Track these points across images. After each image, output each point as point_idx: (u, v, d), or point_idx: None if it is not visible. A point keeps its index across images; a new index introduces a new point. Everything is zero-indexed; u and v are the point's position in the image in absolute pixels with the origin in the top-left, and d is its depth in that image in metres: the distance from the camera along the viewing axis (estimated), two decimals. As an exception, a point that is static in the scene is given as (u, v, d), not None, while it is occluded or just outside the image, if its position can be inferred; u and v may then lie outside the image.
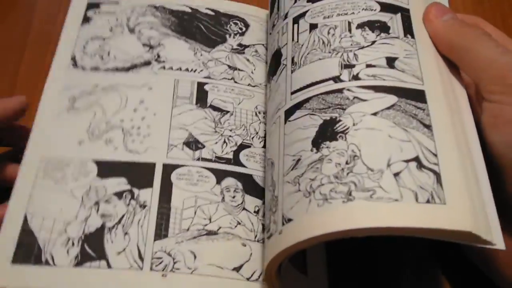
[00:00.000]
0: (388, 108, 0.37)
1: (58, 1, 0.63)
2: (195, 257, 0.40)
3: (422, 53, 0.40)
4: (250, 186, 0.45)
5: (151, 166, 0.44)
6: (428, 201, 0.33)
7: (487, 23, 0.43)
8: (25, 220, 0.40)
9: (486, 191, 0.35)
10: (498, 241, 0.33)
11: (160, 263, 0.40)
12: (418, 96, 0.37)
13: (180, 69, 0.50)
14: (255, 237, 0.42)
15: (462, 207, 0.33)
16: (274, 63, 0.46)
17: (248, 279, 0.40)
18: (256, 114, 0.48)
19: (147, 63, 0.50)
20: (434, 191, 0.33)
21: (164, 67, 0.49)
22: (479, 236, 0.32)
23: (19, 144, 0.47)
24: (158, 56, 0.50)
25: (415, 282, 0.45)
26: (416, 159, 0.34)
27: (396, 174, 0.34)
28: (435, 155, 0.35)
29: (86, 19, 0.52)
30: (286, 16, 0.46)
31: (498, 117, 0.37)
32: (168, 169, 0.44)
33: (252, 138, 0.47)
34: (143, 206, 0.42)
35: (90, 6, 0.53)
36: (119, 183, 0.43)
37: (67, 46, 0.50)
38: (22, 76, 0.57)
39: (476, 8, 0.61)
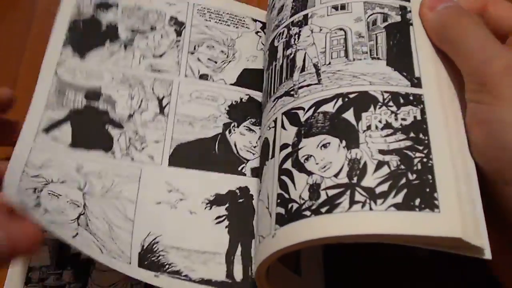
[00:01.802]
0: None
1: (58, 1, 0.63)
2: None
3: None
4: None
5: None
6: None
7: None
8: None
9: (477, 198, 0.34)
10: (487, 250, 0.32)
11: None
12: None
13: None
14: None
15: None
16: None
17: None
18: None
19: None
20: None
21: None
22: (469, 243, 0.31)
23: (7, 140, 0.46)
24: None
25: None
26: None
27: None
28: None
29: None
30: None
31: (473, 117, 0.36)
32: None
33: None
34: None
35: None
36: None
37: None
38: (22, 76, 0.57)
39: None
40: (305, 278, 0.42)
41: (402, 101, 0.36)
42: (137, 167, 0.45)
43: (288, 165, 0.37)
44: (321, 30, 0.42)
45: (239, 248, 0.42)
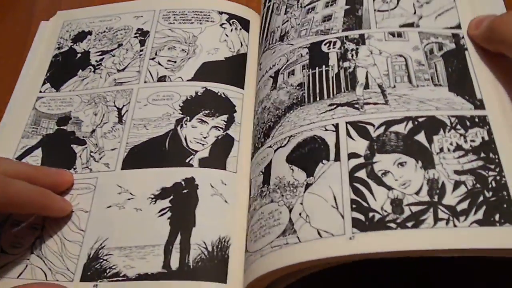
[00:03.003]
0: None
1: (58, 0, 0.64)
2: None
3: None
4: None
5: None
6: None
7: None
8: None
9: None
10: None
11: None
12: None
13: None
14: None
15: None
16: None
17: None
18: None
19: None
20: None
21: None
22: None
23: None
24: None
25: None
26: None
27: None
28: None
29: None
30: None
31: None
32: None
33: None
34: None
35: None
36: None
37: None
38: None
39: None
40: None
41: (468, 123, 0.40)
42: (94, 176, 0.47)
43: (362, 174, 0.39)
44: (381, 53, 0.45)
45: (178, 237, 0.42)
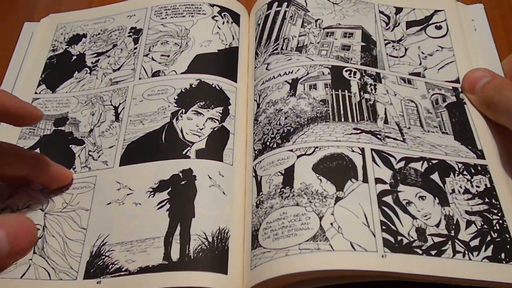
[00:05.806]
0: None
1: (58, 1, 0.65)
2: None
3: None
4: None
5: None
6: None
7: None
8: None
9: None
10: None
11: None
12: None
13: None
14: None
15: None
16: None
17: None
18: None
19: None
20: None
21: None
22: None
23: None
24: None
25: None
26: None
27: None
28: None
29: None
30: None
31: None
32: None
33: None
34: None
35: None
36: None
37: None
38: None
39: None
40: None
41: (473, 170, 0.44)
42: (93, 175, 0.47)
43: (388, 200, 0.42)
44: (395, 95, 0.49)
45: (178, 229, 0.42)
